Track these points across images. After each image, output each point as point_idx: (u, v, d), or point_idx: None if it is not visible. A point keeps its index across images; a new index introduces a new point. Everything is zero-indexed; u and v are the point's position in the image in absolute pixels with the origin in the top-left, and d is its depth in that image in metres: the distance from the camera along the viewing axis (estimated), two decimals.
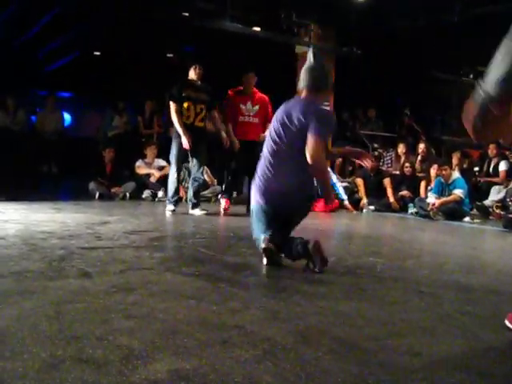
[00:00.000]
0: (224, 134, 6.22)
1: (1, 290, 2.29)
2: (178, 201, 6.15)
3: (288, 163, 3.18)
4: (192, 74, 6.06)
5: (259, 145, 6.52)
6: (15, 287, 2.34)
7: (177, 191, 6.13)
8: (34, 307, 2.05)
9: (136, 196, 7.91)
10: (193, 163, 6.12)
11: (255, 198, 3.29)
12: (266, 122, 6.31)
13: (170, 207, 6.02)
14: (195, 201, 6.03)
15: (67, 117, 12.87)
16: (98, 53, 11.78)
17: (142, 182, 8.16)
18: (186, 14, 8.10)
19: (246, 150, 6.21)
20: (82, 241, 3.69)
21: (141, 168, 8.27)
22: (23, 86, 11.07)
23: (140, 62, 11.35)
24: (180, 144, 5.89)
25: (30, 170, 9.26)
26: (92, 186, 7.69)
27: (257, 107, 6.31)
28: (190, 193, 6.09)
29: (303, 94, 3.32)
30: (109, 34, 9.85)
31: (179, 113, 5.89)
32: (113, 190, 7.78)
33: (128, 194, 7.84)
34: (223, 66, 6.63)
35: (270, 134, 3.30)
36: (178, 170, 6.13)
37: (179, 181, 6.26)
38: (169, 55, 11.72)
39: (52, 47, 11.03)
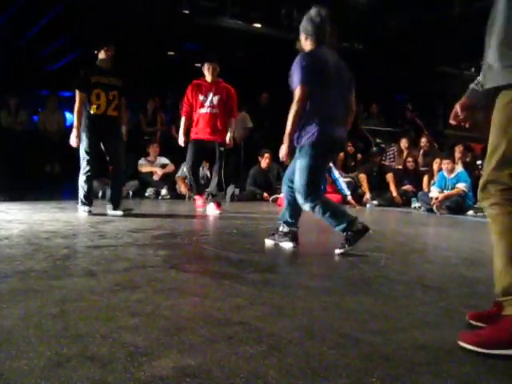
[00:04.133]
0: (124, 129, 5.52)
1: (6, 289, 2.30)
2: (91, 202, 5.40)
3: None
4: (102, 56, 5.32)
5: (220, 146, 5.83)
6: (20, 286, 2.35)
7: (90, 190, 5.41)
8: (39, 306, 2.05)
9: (139, 194, 7.94)
10: (108, 156, 5.43)
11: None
12: (229, 114, 5.86)
13: (85, 208, 5.32)
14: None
15: (69, 116, 12.87)
16: None
17: (145, 180, 8.18)
18: (187, 12, 8.11)
19: (202, 149, 5.76)
20: (86, 239, 3.71)
21: (143, 166, 8.31)
22: (25, 86, 11.07)
23: (141, 61, 11.35)
24: (89, 136, 5.23)
25: (32, 170, 9.28)
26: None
27: (217, 97, 5.75)
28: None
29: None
30: (109, 32, 9.85)
31: (84, 103, 5.21)
32: None
33: (131, 193, 7.86)
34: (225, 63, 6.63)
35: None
36: (90, 166, 5.36)
37: (91, 178, 5.48)
38: (170, 53, 11.72)
39: (54, 47, 11.03)
